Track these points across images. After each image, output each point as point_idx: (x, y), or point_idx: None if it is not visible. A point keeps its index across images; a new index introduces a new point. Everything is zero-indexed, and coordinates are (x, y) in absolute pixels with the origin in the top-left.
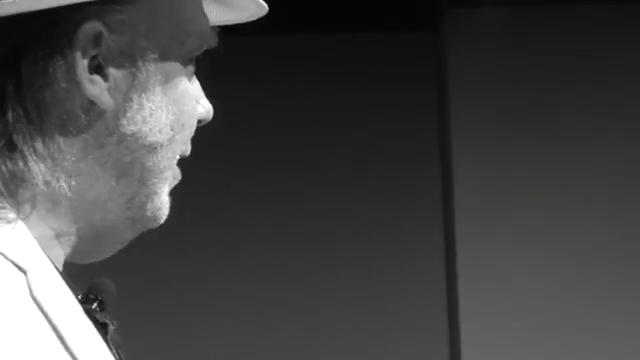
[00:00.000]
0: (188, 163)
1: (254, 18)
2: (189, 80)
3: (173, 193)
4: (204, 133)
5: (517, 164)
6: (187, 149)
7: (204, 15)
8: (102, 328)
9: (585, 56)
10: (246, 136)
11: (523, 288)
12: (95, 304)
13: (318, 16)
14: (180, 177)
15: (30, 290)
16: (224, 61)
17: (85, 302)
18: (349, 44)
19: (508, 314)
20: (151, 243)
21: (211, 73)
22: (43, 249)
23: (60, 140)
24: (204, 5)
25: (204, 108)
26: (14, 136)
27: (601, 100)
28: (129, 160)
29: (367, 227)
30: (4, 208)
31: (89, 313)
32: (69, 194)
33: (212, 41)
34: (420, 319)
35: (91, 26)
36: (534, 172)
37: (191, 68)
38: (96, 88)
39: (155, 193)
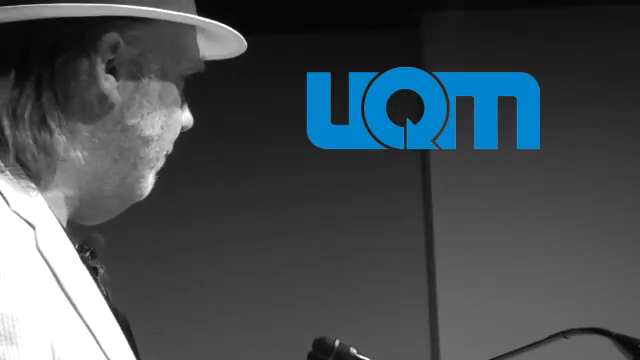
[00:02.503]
0: None
1: (235, 55)
2: (180, 93)
3: None
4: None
5: None
6: (170, 148)
7: (197, 45)
8: (93, 271)
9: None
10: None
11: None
12: (88, 253)
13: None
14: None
15: (36, 242)
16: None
17: (80, 251)
18: (334, 41)
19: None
20: None
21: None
22: (52, 208)
23: (79, 121)
24: (197, 39)
25: (186, 117)
26: (47, 115)
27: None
28: (127, 146)
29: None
30: (22, 174)
31: (83, 260)
32: (82, 163)
33: (201, 66)
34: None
35: (112, 36)
36: None
37: (181, 84)
38: (109, 84)
39: (143, 177)
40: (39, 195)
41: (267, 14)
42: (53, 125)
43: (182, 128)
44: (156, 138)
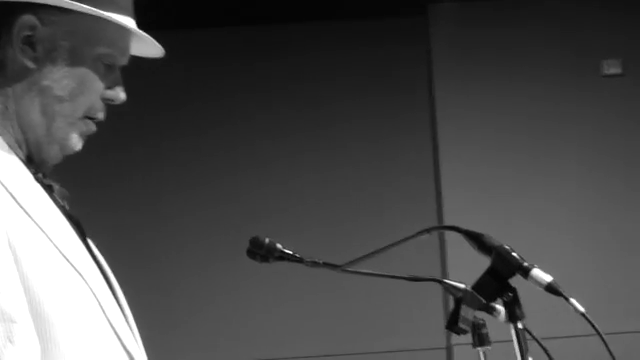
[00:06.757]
0: None
1: (158, 55)
2: (95, 70)
3: None
4: None
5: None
6: (95, 112)
7: (119, 39)
8: (49, 188)
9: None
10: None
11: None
12: (40, 174)
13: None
14: (92, 131)
15: None
16: (248, 44)
17: (35, 173)
18: (349, 29)
19: None
20: None
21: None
22: (12, 148)
23: (9, 82)
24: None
25: (116, 94)
26: None
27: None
28: (45, 102)
29: None
30: None
31: (37, 179)
32: (19, 114)
33: (123, 58)
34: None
35: (28, 18)
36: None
37: (99, 65)
38: (24, 54)
39: (60, 129)
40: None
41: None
42: None
43: (112, 101)
44: (67, 98)
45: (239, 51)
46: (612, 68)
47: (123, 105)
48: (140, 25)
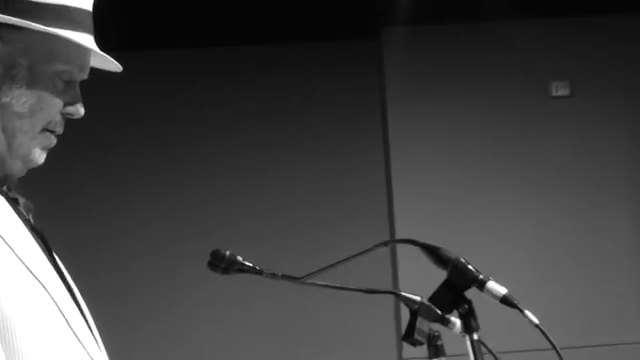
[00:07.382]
0: None
1: (117, 70)
2: (53, 86)
3: None
4: None
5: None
6: (54, 126)
7: (76, 56)
8: (14, 201)
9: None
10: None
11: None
12: (5, 187)
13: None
14: (53, 144)
15: None
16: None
17: (0, 187)
18: (303, 52)
19: None
20: None
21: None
22: None
23: None
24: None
25: (76, 109)
26: None
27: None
28: (5, 119)
29: None
30: None
31: (3, 194)
32: None
33: (81, 74)
34: None
35: None
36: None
37: (57, 81)
38: None
39: (22, 145)
40: None
41: (250, 25)
42: None
43: (72, 116)
44: (27, 115)
45: (197, 71)
46: (561, 90)
47: (87, 119)
48: (108, 45)
